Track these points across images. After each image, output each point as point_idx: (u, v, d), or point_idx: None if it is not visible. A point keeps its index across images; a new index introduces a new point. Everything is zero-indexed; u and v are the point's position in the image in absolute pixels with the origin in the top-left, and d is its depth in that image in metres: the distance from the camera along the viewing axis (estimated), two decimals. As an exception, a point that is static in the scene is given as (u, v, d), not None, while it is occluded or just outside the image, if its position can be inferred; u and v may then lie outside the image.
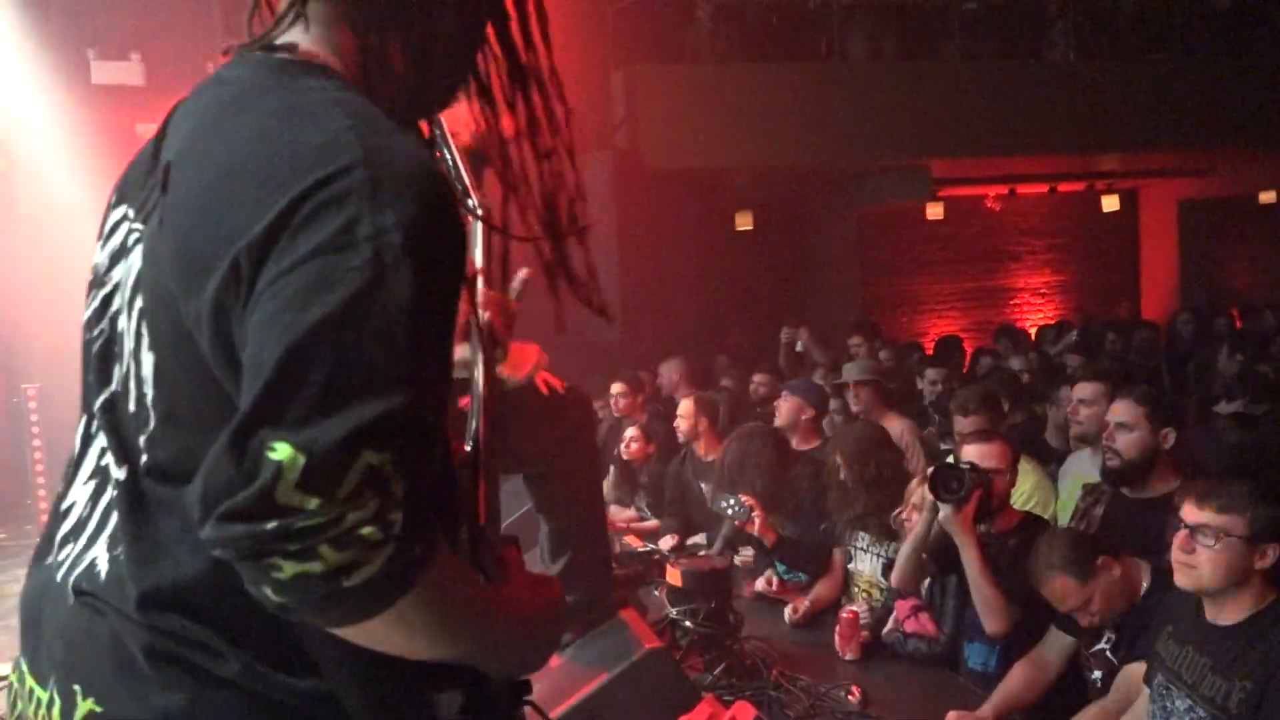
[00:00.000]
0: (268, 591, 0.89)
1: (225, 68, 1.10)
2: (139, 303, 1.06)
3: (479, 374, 1.50)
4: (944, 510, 3.31)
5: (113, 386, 1.11)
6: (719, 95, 8.47)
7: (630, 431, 6.20)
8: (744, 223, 10.20)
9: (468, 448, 1.40)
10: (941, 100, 8.88)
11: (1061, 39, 9.29)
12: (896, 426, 5.39)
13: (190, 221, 1.00)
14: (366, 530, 0.88)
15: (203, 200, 1.00)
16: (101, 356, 1.12)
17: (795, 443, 4.96)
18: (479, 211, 1.74)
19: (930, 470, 3.42)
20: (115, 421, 1.10)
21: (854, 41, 9.16)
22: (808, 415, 5.03)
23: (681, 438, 5.69)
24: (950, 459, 3.49)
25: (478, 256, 1.64)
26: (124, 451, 1.08)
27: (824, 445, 4.79)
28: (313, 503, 0.87)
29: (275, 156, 0.96)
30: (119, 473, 1.08)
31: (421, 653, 1.00)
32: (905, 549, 3.54)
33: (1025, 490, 3.70)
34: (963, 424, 4.39)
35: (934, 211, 10.86)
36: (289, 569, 0.87)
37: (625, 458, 6.23)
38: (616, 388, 7.06)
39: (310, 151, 0.96)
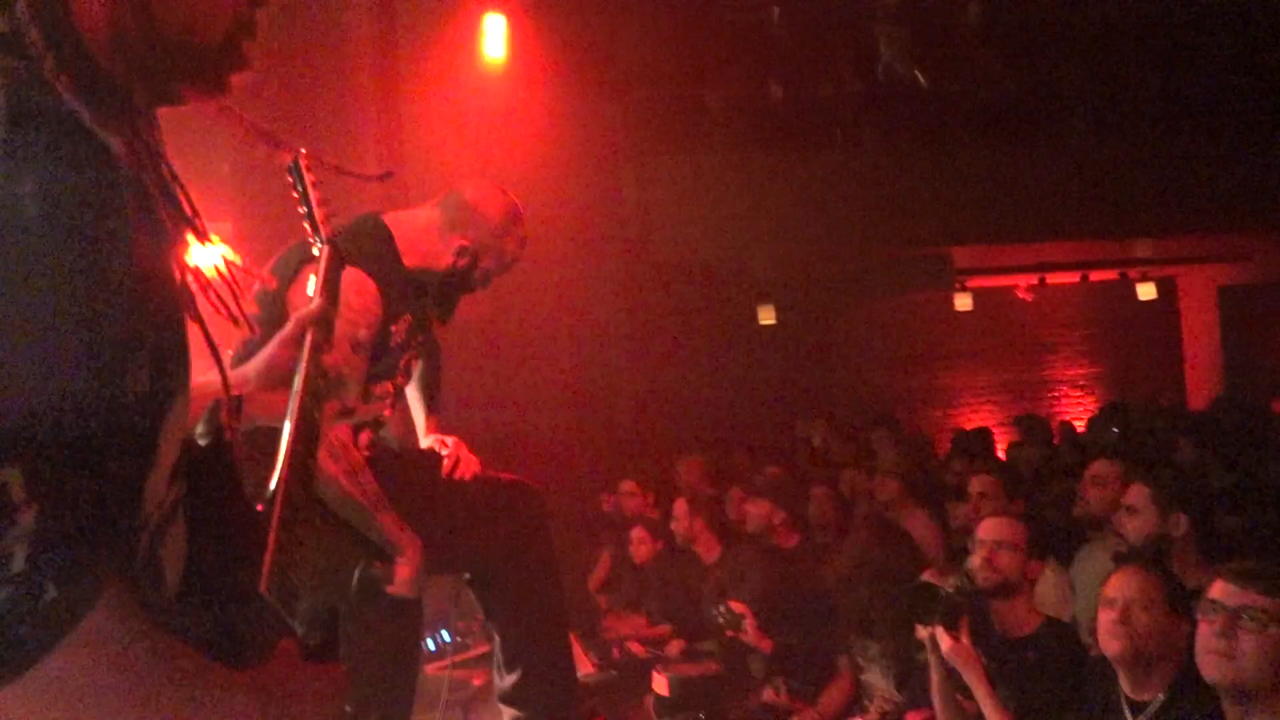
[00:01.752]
0: None
1: None
2: None
3: (291, 412, 1.30)
4: (941, 640, 3.01)
5: None
6: (732, 185, 8.39)
7: (636, 532, 5.95)
8: (766, 316, 10.03)
9: (261, 506, 1.20)
10: (960, 188, 8.72)
11: (1082, 122, 9.13)
12: (920, 524, 5.09)
13: None
14: None
15: None
16: None
17: (773, 541, 4.71)
18: (323, 246, 1.58)
19: (908, 589, 3.14)
20: None
21: (867, 130, 9.08)
22: (780, 518, 4.79)
23: (679, 540, 5.46)
24: (928, 578, 3.20)
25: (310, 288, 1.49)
26: None
27: (804, 543, 4.54)
28: None
29: None
30: None
31: None
32: (936, 696, 3.20)
33: (1039, 592, 3.38)
34: (969, 506, 4.16)
35: (962, 302, 10.64)
36: None
37: (634, 559, 5.98)
38: (627, 486, 6.86)
39: None
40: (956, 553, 4.88)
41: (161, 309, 0.90)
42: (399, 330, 2.50)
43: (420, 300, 2.60)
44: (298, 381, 1.32)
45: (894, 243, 8.93)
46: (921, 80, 9.07)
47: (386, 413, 2.69)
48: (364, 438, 2.55)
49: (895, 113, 9.04)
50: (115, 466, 0.82)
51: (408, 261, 2.56)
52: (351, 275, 2.20)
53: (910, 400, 11.32)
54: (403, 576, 2.38)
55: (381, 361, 2.46)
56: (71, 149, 0.85)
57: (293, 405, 1.28)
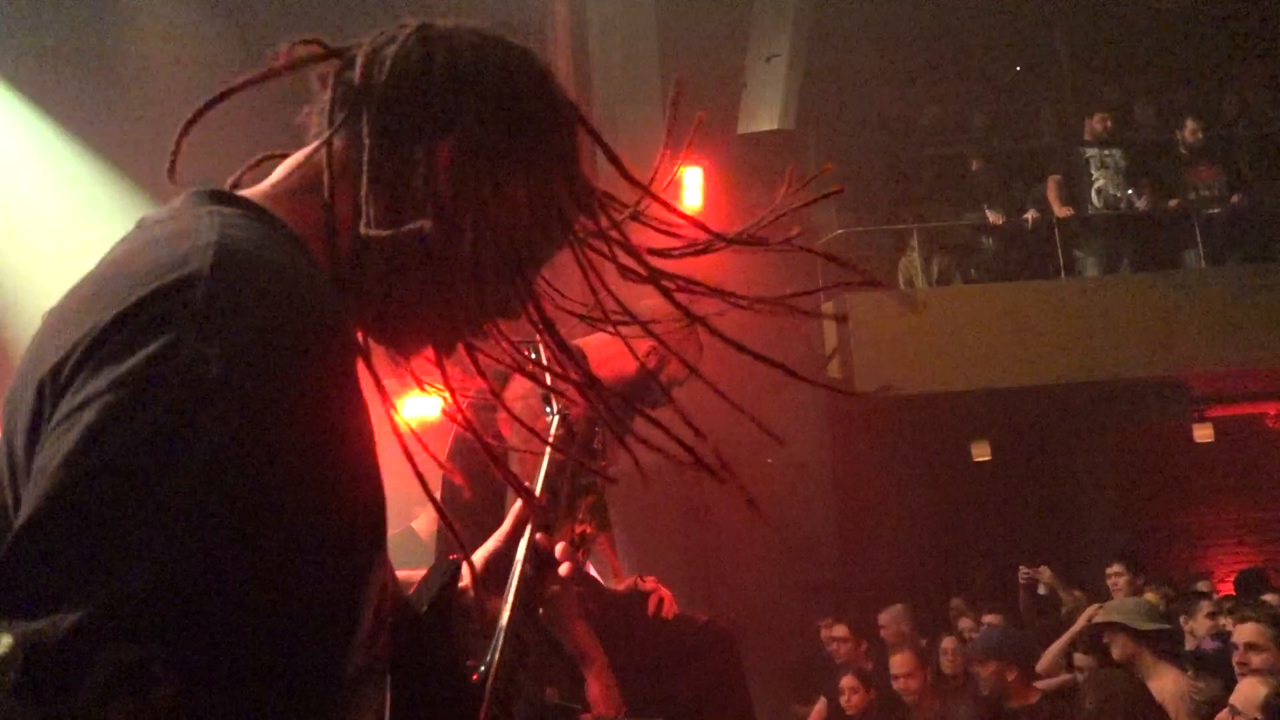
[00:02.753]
0: None
1: None
2: None
3: (508, 595, 1.29)
4: None
5: None
6: (939, 319, 8.15)
7: (846, 680, 5.66)
8: (981, 453, 9.54)
9: (476, 676, 1.19)
10: (1190, 311, 8.13)
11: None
12: (1165, 684, 4.54)
13: (27, 356, 0.86)
14: None
15: (44, 332, 0.86)
16: None
17: (1010, 703, 4.32)
18: (555, 416, 1.57)
19: None
20: None
21: (1083, 257, 8.68)
22: (1012, 675, 4.39)
23: (905, 697, 5.14)
24: None
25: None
26: None
27: (1042, 702, 4.12)
28: (31, 713, 0.65)
29: (121, 275, 0.81)
30: None
31: None
32: None
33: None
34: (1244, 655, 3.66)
35: (1202, 433, 9.74)
36: None
37: (844, 708, 5.66)
38: (838, 631, 6.58)
39: (156, 266, 0.79)
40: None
41: (362, 474, 0.85)
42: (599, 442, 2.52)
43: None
44: (515, 572, 1.29)
45: (1122, 370, 8.36)
46: (1138, 202, 8.64)
47: (590, 529, 2.68)
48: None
49: (1111, 239, 8.63)
50: (290, 642, 0.76)
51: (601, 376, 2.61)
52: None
53: (1147, 542, 10.38)
54: (595, 693, 2.31)
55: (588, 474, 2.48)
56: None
57: (509, 591, 1.27)
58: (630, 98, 7.13)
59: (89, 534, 0.70)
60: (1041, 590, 6.50)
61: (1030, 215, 8.62)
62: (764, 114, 7.77)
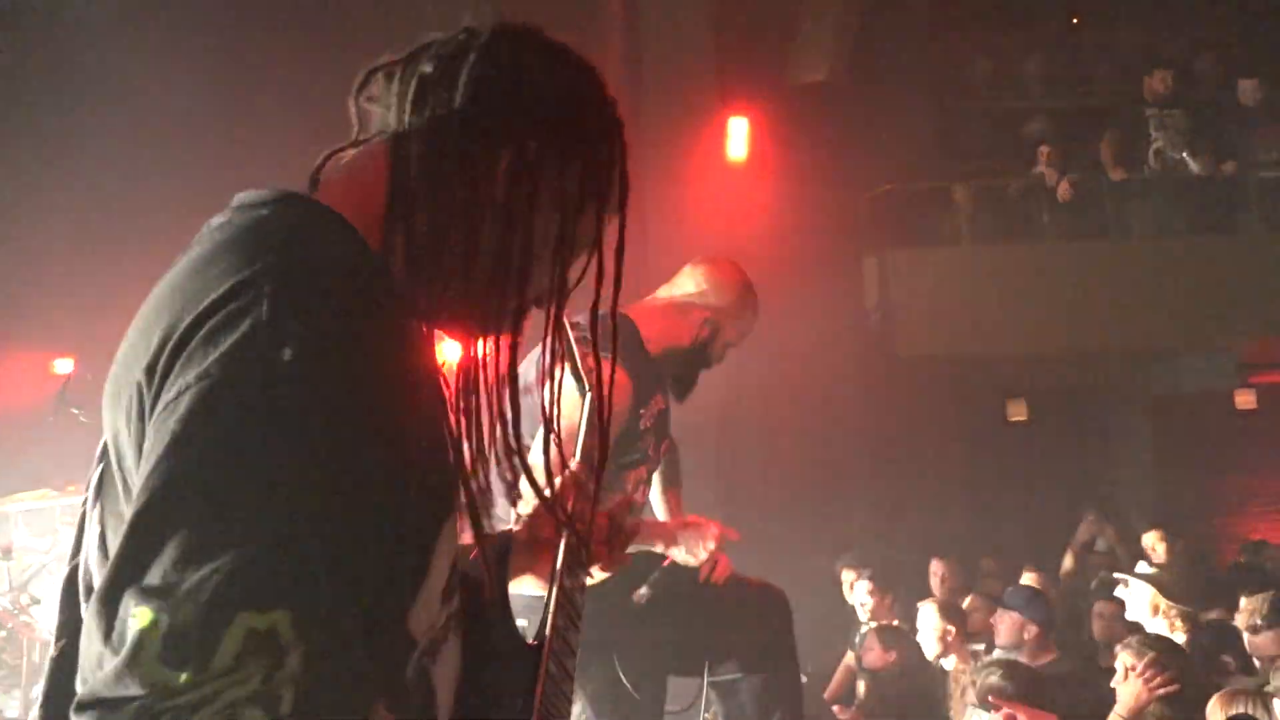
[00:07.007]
0: None
1: None
2: (99, 468, 0.99)
3: (559, 558, 1.33)
4: None
5: (77, 559, 1.03)
6: (982, 278, 8.07)
7: (870, 637, 5.71)
8: (1017, 413, 9.49)
9: (535, 640, 1.24)
10: (1243, 277, 7.99)
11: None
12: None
13: (120, 358, 0.93)
14: (248, 712, 0.72)
15: (132, 334, 0.93)
16: (78, 531, 1.06)
17: (1025, 658, 4.37)
18: (588, 391, 1.60)
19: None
20: (68, 595, 1.02)
21: (1135, 218, 8.51)
22: (1031, 633, 4.43)
23: (926, 650, 5.18)
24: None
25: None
26: (61, 626, 1.00)
27: (1060, 659, 4.18)
28: (179, 678, 0.71)
29: (200, 276, 0.88)
30: (54, 649, 0.98)
31: None
32: None
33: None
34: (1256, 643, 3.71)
35: (1244, 400, 9.64)
36: None
37: (868, 667, 5.71)
38: (865, 589, 6.62)
39: (230, 266, 0.86)
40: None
41: (430, 438, 0.92)
42: (647, 415, 2.56)
43: (665, 386, 2.66)
44: (561, 541, 1.32)
45: (1167, 337, 8.26)
46: (1194, 165, 8.44)
47: (640, 500, 2.72)
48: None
49: (1164, 201, 8.46)
50: (386, 599, 0.84)
51: (652, 349, 2.64)
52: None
53: (1183, 507, 10.33)
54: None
55: (634, 449, 2.52)
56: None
57: (560, 543, 1.31)
58: (679, 47, 7.03)
59: (203, 510, 0.76)
60: (1101, 547, 6.48)
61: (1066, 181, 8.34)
62: (813, 65, 7.64)
